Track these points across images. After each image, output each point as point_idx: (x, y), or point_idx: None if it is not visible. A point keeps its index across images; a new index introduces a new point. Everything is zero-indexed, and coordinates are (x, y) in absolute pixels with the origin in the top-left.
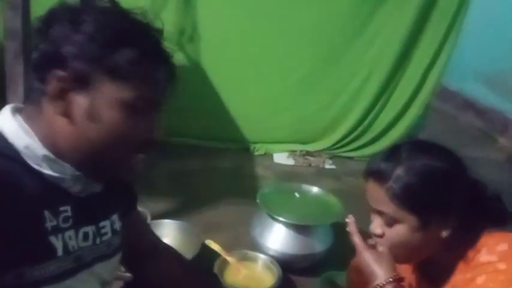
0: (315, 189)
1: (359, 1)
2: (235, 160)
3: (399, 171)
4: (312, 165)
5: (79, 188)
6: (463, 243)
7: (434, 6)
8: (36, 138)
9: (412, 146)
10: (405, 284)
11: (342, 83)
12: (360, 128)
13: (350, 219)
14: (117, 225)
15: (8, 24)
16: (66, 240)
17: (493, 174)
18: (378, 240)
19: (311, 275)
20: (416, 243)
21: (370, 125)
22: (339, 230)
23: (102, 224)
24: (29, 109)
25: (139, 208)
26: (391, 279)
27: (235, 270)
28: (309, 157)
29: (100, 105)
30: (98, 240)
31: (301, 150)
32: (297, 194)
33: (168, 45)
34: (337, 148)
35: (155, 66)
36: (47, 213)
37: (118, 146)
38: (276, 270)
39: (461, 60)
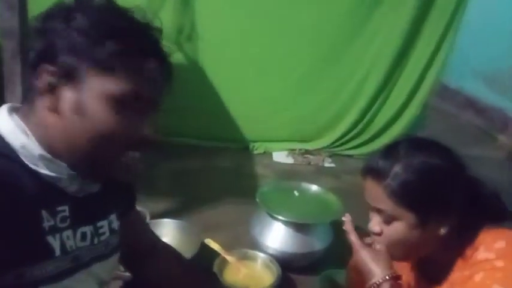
0: (314, 188)
1: (358, 1)
2: (235, 159)
3: (397, 168)
4: (311, 163)
5: (76, 188)
6: (461, 240)
7: (432, 5)
8: (33, 138)
9: (410, 143)
10: (403, 281)
11: (341, 82)
12: (359, 126)
13: (346, 218)
14: (115, 225)
15: (5, 23)
16: (64, 240)
17: (493, 172)
18: (376, 238)
19: (310, 273)
20: (414, 241)
21: (369, 123)
22: (339, 228)
23: (100, 223)
24: (25, 108)
25: (139, 208)
26: (387, 277)
27: (234, 269)
28: (308, 155)
29: (87, 99)
30: (95, 240)
31: (300, 149)
32: (296, 193)
33: (166, 44)
34: (337, 146)
35: (146, 61)
36: (44, 213)
37: (106, 142)
38: (276, 269)
39: (461, 59)
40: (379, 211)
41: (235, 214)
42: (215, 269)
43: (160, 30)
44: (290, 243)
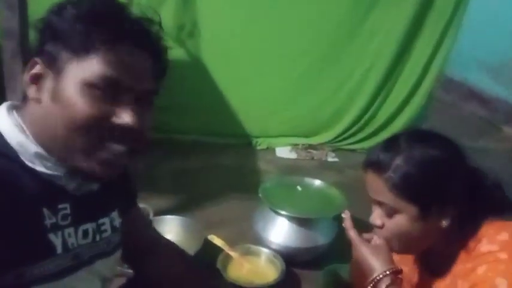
0: (317, 182)
1: None
2: (238, 155)
3: (398, 161)
4: (315, 158)
5: (74, 186)
6: (464, 233)
7: None
8: (30, 135)
9: (411, 135)
10: (406, 274)
11: (343, 75)
12: (362, 121)
13: (346, 215)
14: (117, 222)
15: (5, 24)
16: (66, 238)
17: (498, 164)
18: (378, 231)
19: (314, 268)
20: (416, 234)
21: (372, 117)
22: (342, 223)
23: (101, 221)
24: (22, 105)
25: (142, 205)
26: (388, 272)
27: (238, 265)
28: (311, 150)
29: (63, 86)
30: (97, 238)
31: (303, 144)
32: (299, 188)
33: (165, 39)
34: (340, 141)
35: (125, 49)
36: (45, 211)
37: (81, 130)
38: (279, 264)
39: (465, 50)
40: (380, 204)
41: (239, 210)
42: (219, 264)
43: (156, 23)
44: (293, 238)
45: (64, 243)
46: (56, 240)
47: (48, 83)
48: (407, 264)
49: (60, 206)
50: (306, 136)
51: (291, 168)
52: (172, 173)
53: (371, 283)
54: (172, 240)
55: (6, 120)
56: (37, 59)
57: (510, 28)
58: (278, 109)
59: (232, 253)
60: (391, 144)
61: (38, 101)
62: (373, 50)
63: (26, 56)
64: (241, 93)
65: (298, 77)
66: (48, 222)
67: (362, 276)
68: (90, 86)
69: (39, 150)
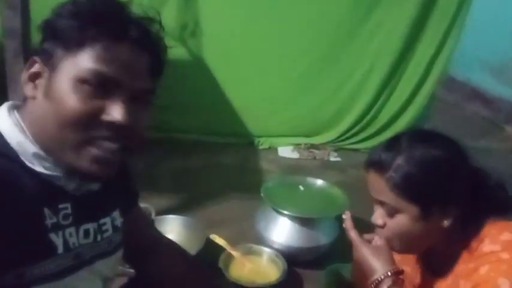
0: (319, 182)
1: None
2: (240, 154)
3: (399, 160)
4: (317, 158)
5: (74, 186)
6: (466, 232)
7: None
8: (30, 136)
9: (412, 135)
10: (408, 274)
11: (345, 75)
12: (365, 120)
13: (346, 216)
14: (118, 222)
15: (7, 23)
16: (67, 238)
17: (500, 163)
18: (380, 230)
19: (316, 267)
20: (417, 233)
21: (375, 117)
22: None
23: (102, 221)
24: (23, 105)
25: (144, 204)
26: (389, 273)
27: (240, 265)
28: (313, 150)
29: (57, 82)
30: (98, 237)
31: (305, 144)
32: (301, 187)
33: (168, 39)
34: (342, 140)
35: (117, 45)
36: (46, 211)
37: (70, 125)
38: (281, 264)
39: (468, 50)
40: (382, 204)
41: (241, 209)
42: (220, 264)
43: (156, 22)
44: (295, 238)
45: (65, 243)
46: (57, 240)
47: (43, 81)
48: (409, 264)
49: (61, 206)
50: (308, 136)
51: (293, 168)
52: (173, 172)
53: (372, 284)
54: (174, 240)
55: (6, 120)
56: (36, 58)
57: None
58: (279, 109)
59: (234, 253)
60: (393, 144)
61: (34, 98)
62: (375, 50)
63: (29, 56)
64: (242, 92)
65: (299, 77)
66: (49, 222)
67: (363, 277)
68: (81, 82)
69: (37, 150)
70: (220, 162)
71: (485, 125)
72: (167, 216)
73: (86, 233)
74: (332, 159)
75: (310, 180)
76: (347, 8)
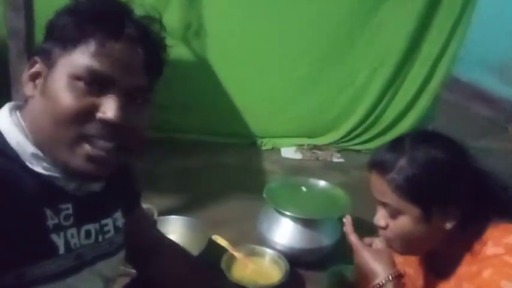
0: (322, 183)
1: None
2: (243, 155)
3: (402, 162)
4: (320, 159)
5: (74, 187)
6: (469, 235)
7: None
8: (30, 136)
9: (415, 137)
10: (411, 276)
11: (349, 75)
12: (368, 121)
13: (346, 220)
14: (120, 223)
15: (11, 24)
16: (68, 238)
17: (503, 164)
18: (382, 231)
19: (318, 269)
20: (420, 235)
21: (378, 118)
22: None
23: (104, 221)
24: (24, 105)
25: (146, 205)
26: (391, 277)
27: (242, 265)
28: (316, 151)
29: (52, 79)
30: (100, 238)
31: (308, 144)
32: (303, 188)
33: (171, 38)
34: (345, 141)
35: (116, 43)
36: (48, 211)
37: (66, 123)
38: (284, 265)
39: (471, 51)
40: (384, 205)
41: (243, 210)
42: (223, 265)
43: (157, 22)
44: (298, 239)
45: (66, 243)
46: (59, 240)
47: (42, 80)
48: (411, 266)
49: (62, 207)
50: (311, 136)
51: (295, 169)
52: (174, 172)
53: None
54: (176, 241)
55: (7, 120)
56: (36, 58)
57: None
58: (280, 109)
59: (236, 253)
60: (396, 145)
61: (32, 97)
62: (379, 50)
63: (31, 56)
64: (244, 92)
65: (299, 77)
66: (50, 222)
67: (365, 281)
68: (76, 79)
69: (35, 150)
70: (222, 163)
71: (488, 125)
72: (169, 216)
73: (87, 233)
74: (335, 160)
75: (313, 181)
76: (347, 8)
